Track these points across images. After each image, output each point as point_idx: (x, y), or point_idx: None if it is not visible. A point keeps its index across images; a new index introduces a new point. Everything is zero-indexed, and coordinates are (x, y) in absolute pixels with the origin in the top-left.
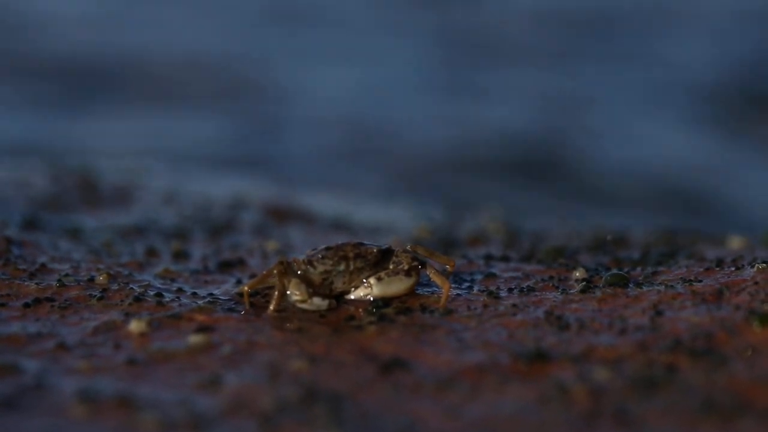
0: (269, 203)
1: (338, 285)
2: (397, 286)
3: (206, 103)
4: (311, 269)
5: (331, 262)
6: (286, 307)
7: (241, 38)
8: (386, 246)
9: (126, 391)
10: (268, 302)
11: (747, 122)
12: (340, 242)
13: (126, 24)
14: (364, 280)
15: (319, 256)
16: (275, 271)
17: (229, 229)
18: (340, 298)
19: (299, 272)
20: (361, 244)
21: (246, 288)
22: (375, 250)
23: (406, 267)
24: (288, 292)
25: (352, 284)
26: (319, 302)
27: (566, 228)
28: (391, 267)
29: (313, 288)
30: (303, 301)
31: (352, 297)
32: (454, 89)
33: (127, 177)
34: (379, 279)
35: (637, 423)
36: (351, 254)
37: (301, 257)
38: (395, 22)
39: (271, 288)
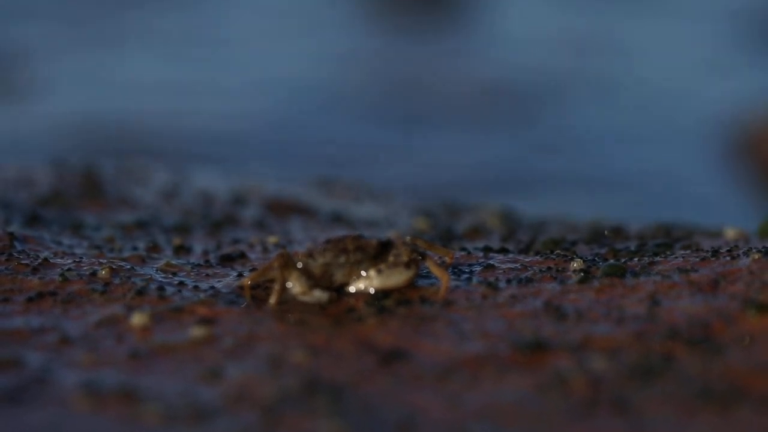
0: (270, 198)
1: (338, 277)
2: (397, 278)
3: None
4: (312, 262)
5: (331, 255)
6: (286, 300)
7: None
8: (386, 238)
9: (129, 383)
10: (269, 295)
11: None
12: (340, 235)
13: None
14: (364, 273)
15: (320, 248)
16: (276, 264)
17: (230, 224)
18: (340, 290)
19: (300, 265)
20: (361, 236)
21: (247, 281)
22: (374, 243)
23: (405, 259)
24: (289, 285)
25: (352, 276)
26: (319, 294)
27: (564, 221)
28: (390, 259)
29: (313, 280)
30: (304, 294)
31: (353, 289)
32: None
33: (129, 175)
34: (378, 271)
35: (635, 411)
36: (351, 247)
37: (302, 250)
38: None
39: (272, 281)
